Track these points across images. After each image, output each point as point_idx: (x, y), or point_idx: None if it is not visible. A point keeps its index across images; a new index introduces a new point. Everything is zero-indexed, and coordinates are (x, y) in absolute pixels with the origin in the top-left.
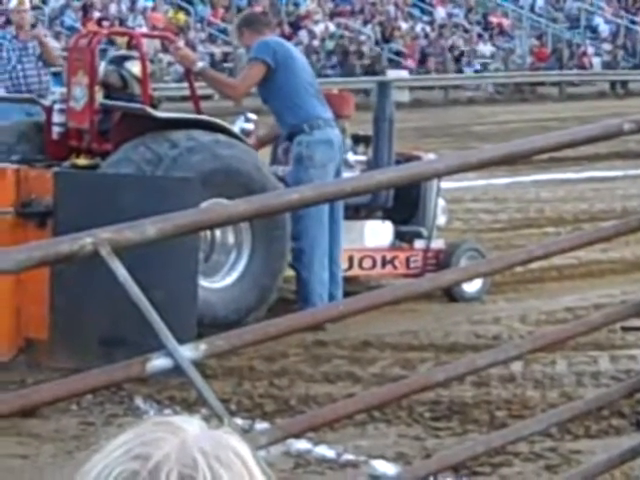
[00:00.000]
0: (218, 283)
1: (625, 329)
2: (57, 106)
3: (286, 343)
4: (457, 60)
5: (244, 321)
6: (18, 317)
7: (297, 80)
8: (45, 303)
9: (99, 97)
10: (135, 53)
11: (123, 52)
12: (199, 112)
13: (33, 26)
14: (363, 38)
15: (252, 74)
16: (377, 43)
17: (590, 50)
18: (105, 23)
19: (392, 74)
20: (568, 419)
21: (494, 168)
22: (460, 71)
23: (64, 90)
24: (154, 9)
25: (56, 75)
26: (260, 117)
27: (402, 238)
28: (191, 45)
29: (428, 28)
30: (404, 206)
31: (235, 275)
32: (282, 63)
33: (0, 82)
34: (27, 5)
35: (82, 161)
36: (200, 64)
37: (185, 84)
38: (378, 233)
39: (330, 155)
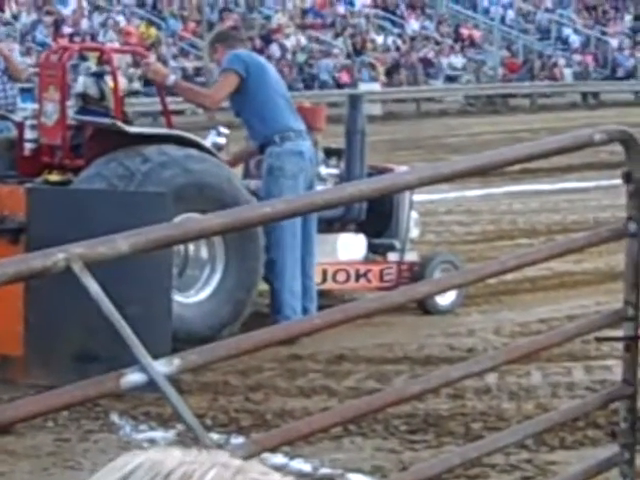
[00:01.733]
0: (192, 298)
1: (599, 340)
2: (29, 122)
3: (261, 358)
4: (427, 73)
5: (218, 336)
6: None
7: (269, 91)
8: (19, 320)
9: (71, 112)
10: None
11: (103, 67)
12: (171, 127)
13: None
14: (335, 51)
15: (225, 84)
16: (349, 56)
17: (561, 61)
18: (76, 39)
19: (364, 87)
20: (543, 430)
21: (467, 180)
22: (429, 75)
23: (35, 106)
24: (126, 24)
25: (27, 91)
26: (232, 131)
27: (375, 251)
28: (163, 60)
29: (399, 41)
30: (377, 219)
31: (209, 290)
32: (253, 73)
33: None
34: None
35: (54, 177)
36: (172, 77)
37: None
38: (351, 246)
39: (300, 166)
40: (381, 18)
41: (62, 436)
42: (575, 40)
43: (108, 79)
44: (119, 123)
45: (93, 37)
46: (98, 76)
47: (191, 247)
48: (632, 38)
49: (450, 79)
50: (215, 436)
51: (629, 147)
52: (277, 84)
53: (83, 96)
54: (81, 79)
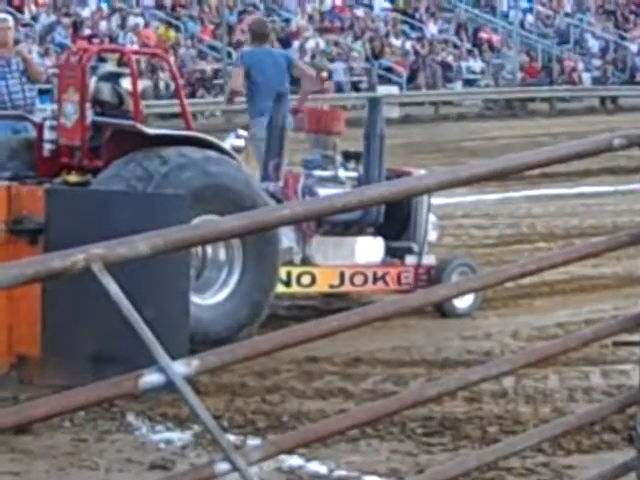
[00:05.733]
0: (210, 300)
1: (617, 344)
2: (48, 123)
3: (278, 359)
4: (446, 77)
5: (236, 337)
6: (10, 334)
7: None
8: (37, 320)
9: (90, 114)
10: (126, 70)
11: (114, 68)
12: (190, 129)
13: (16, 42)
14: (354, 54)
15: None
16: (367, 59)
17: (580, 66)
18: (95, 40)
19: (382, 90)
20: (560, 434)
21: (485, 184)
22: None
23: (55, 107)
24: (145, 26)
25: (46, 92)
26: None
27: (393, 254)
28: (181, 62)
29: (418, 45)
30: (395, 222)
31: (227, 291)
32: None
33: None
34: (10, 22)
35: (73, 178)
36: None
37: (176, 101)
38: (369, 249)
39: None
40: (400, 22)
41: (79, 436)
42: (594, 45)
43: (125, 82)
44: (138, 125)
45: (112, 39)
46: (112, 80)
47: (209, 249)
48: None
49: (469, 83)
50: (232, 437)
51: None
52: None
53: (100, 103)
54: (92, 83)
